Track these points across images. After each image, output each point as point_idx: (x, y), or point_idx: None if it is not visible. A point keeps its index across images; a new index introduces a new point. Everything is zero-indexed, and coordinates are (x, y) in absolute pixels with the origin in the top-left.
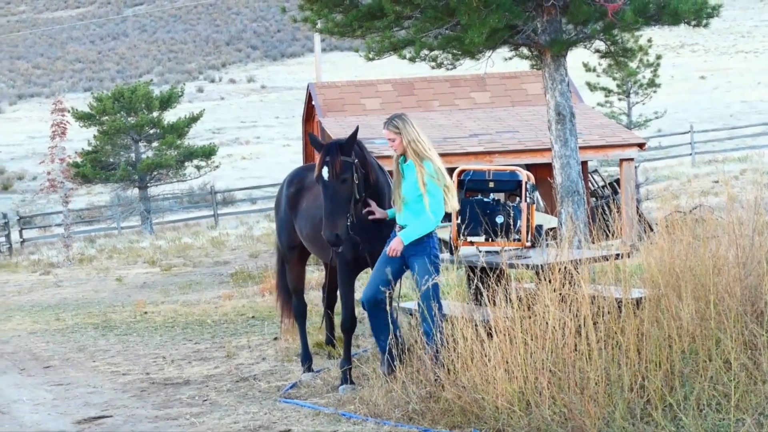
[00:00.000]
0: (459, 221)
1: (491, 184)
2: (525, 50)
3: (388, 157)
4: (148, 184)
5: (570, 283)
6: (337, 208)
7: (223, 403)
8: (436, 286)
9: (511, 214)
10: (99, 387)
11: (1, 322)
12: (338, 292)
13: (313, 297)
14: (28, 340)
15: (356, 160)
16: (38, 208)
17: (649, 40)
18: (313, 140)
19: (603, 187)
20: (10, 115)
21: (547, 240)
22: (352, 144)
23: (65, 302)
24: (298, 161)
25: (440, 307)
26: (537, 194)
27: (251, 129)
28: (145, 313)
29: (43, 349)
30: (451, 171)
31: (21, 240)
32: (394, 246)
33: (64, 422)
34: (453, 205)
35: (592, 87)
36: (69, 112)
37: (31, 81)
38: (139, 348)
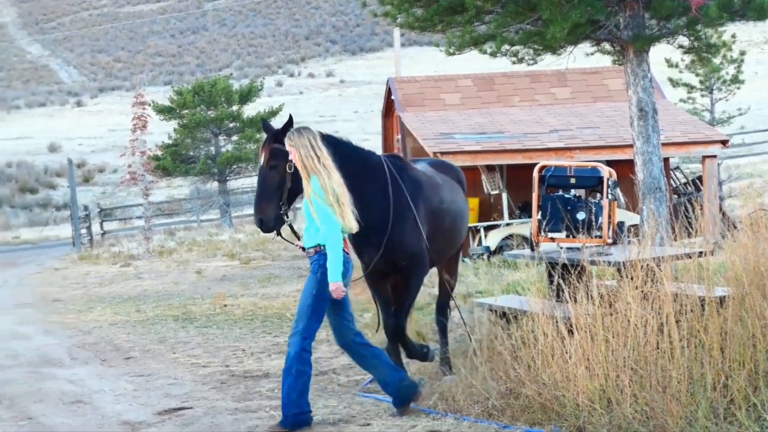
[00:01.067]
0: (540, 217)
1: (572, 181)
2: (607, 46)
3: (470, 152)
4: (228, 178)
5: (652, 280)
6: (265, 194)
7: None
8: (310, 306)
9: (593, 211)
10: (179, 378)
11: (82, 313)
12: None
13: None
14: (109, 331)
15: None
16: (118, 200)
17: (733, 36)
18: (264, 126)
19: (685, 184)
20: (91, 108)
21: (628, 237)
22: (284, 132)
23: (145, 294)
24: None
25: (308, 328)
26: (618, 191)
27: (330, 123)
28: (225, 305)
29: (124, 340)
30: (531, 167)
31: (102, 232)
32: (335, 292)
33: (145, 413)
34: (347, 225)
35: (674, 83)
36: (150, 105)
37: (112, 74)
38: (218, 340)
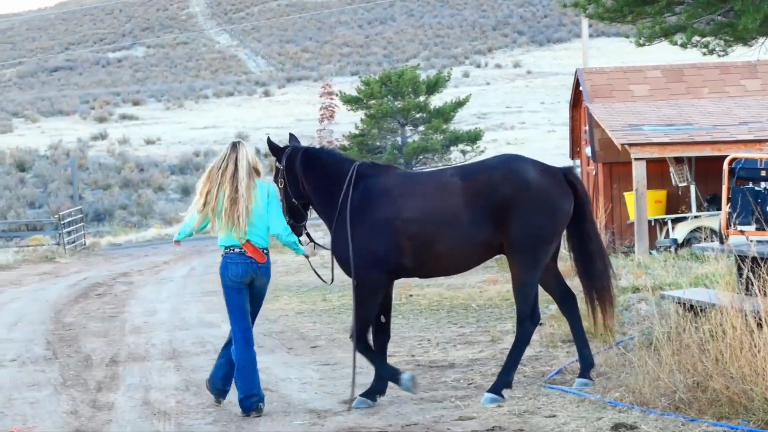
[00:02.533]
0: (729, 210)
1: (763, 173)
2: None
3: (658, 144)
4: (414, 168)
5: None
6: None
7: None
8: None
9: None
10: (365, 368)
11: (268, 301)
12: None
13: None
14: (295, 320)
15: (282, 166)
16: None
17: None
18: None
19: None
20: (279, 98)
21: None
22: (272, 150)
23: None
24: (564, 147)
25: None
26: None
27: (516, 114)
28: (411, 296)
29: (310, 329)
30: (720, 159)
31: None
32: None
33: (332, 402)
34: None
35: None
36: (337, 95)
37: (300, 65)
38: (404, 330)
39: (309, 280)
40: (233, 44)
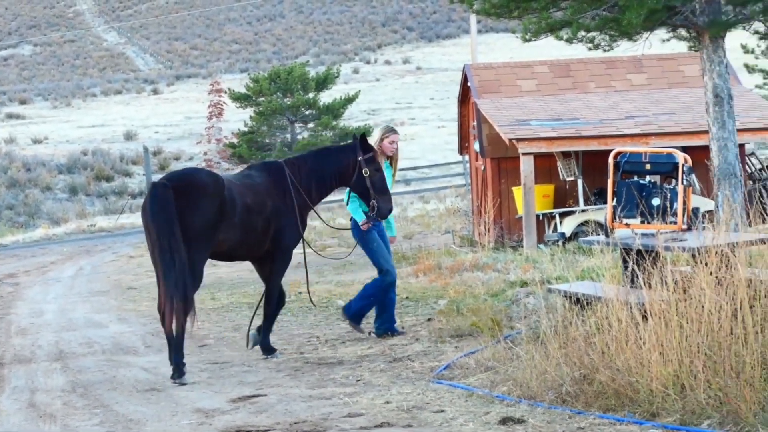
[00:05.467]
0: (615, 203)
1: (648, 166)
2: (683, 32)
3: (545, 139)
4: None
5: (726, 266)
6: None
7: (376, 384)
8: None
9: (668, 197)
10: (253, 366)
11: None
12: None
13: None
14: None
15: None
16: None
17: None
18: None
19: (760, 170)
20: (167, 95)
21: (703, 223)
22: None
23: (220, 282)
24: (453, 143)
25: None
26: (693, 177)
27: (406, 110)
28: (300, 293)
29: (198, 327)
30: (607, 153)
31: None
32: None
33: (219, 400)
34: None
35: (750, 69)
36: (226, 92)
37: (189, 62)
38: (293, 328)
39: None
40: (121, 42)
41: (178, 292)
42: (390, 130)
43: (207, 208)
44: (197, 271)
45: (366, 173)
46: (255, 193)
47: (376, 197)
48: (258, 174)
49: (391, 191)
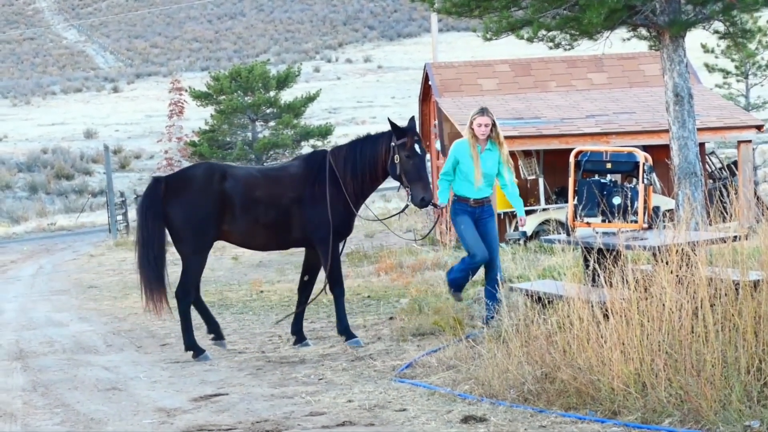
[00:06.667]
0: (576, 202)
1: (608, 165)
2: (643, 31)
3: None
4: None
5: (687, 265)
6: None
7: (338, 382)
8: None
9: (628, 196)
10: (215, 365)
11: (118, 300)
12: None
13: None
14: (144, 318)
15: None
16: None
17: None
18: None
19: (720, 169)
20: (127, 93)
21: (664, 222)
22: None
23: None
24: None
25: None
26: (654, 176)
27: (367, 109)
28: (261, 292)
29: (159, 326)
30: (568, 152)
31: None
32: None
33: (181, 399)
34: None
35: (710, 68)
36: (186, 91)
37: (149, 60)
38: (255, 326)
39: None
40: (81, 39)
41: (150, 284)
42: (478, 112)
43: (196, 201)
44: (190, 261)
45: (397, 159)
46: (271, 186)
47: (408, 185)
48: (297, 164)
49: (508, 177)
